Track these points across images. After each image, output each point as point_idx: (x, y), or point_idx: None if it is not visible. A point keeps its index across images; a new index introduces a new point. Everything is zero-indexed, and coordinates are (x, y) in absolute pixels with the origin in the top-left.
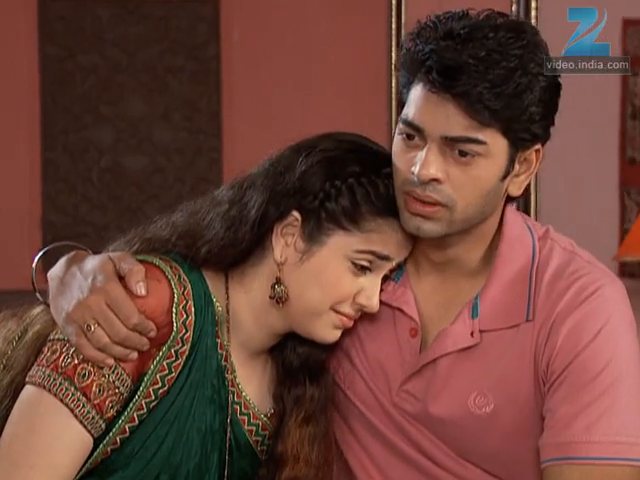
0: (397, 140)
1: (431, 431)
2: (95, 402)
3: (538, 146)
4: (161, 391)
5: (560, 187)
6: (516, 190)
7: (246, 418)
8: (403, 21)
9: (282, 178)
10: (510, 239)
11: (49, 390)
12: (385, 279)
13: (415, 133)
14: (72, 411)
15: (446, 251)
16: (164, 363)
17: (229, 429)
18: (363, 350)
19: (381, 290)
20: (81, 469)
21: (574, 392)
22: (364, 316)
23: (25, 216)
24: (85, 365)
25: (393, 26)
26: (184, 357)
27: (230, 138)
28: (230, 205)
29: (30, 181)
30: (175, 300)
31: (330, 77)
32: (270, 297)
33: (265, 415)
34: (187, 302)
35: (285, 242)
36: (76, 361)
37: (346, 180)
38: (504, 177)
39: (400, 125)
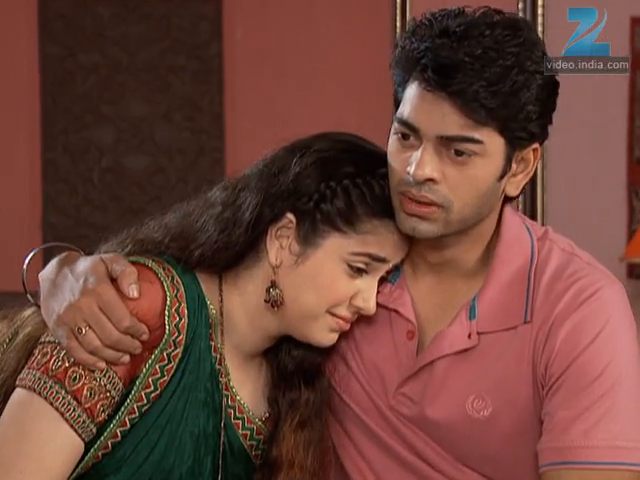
0: (392, 140)
1: (428, 434)
2: (86, 406)
3: (536, 145)
4: (153, 395)
5: (567, 188)
6: (513, 190)
7: (240, 422)
8: (408, 20)
9: (276, 179)
10: (508, 240)
11: (39, 393)
12: (382, 281)
13: (410, 132)
14: (62, 415)
15: (443, 252)
16: (156, 366)
17: (223, 433)
18: (359, 353)
19: (378, 292)
20: (72, 474)
21: (573, 396)
22: (360, 318)
23: (25, 217)
24: (76, 368)
25: (397, 25)
26: (177, 360)
27: (233, 138)
28: (224, 207)
29: (30, 182)
30: (168, 302)
31: (334, 76)
32: (265, 301)
33: (260, 419)
34: (180, 304)
35: (280, 245)
36: (67, 364)
37: (341, 181)
38: (501, 177)
39: (395, 124)
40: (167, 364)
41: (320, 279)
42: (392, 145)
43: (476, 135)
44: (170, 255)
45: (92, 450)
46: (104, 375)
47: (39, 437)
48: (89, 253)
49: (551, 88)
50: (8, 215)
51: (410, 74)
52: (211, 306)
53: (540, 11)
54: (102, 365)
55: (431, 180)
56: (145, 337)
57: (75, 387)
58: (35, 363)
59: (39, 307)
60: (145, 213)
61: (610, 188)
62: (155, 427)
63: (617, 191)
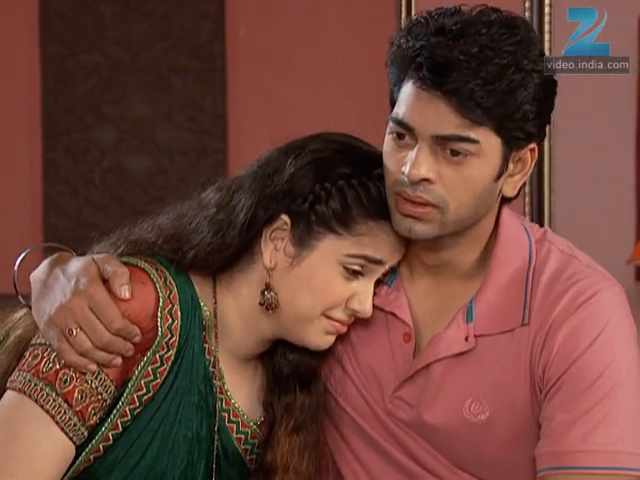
0: (387, 140)
1: (425, 439)
2: (77, 409)
3: (533, 145)
4: (146, 397)
5: (574, 189)
6: (511, 191)
7: (235, 426)
8: None
9: (271, 180)
10: (506, 241)
11: (29, 396)
12: (378, 283)
13: (405, 132)
14: (53, 417)
15: (440, 253)
16: (149, 369)
17: (216, 437)
18: (355, 356)
19: (374, 294)
20: (63, 477)
21: (571, 399)
22: (356, 321)
23: (26, 219)
24: (67, 370)
25: (403, 25)
26: (169, 362)
27: (236, 139)
28: (217, 209)
29: (31, 183)
30: (160, 304)
31: (338, 76)
32: (260, 303)
33: (255, 423)
34: (173, 306)
35: (274, 247)
36: (57, 366)
37: (336, 182)
38: (498, 177)
39: (390, 124)
40: (160, 366)
41: (315, 281)
42: (387, 145)
43: (472, 135)
44: (163, 256)
45: (84, 454)
46: (95, 377)
47: (30, 440)
48: (81, 254)
49: (549, 87)
50: (8, 216)
51: (405, 73)
52: (205, 308)
53: (547, 10)
54: (93, 367)
55: (426, 180)
56: (137, 339)
57: (66, 389)
58: (26, 365)
59: (31, 308)
60: (146, 214)
61: (618, 189)
62: (147, 430)
63: (625, 192)
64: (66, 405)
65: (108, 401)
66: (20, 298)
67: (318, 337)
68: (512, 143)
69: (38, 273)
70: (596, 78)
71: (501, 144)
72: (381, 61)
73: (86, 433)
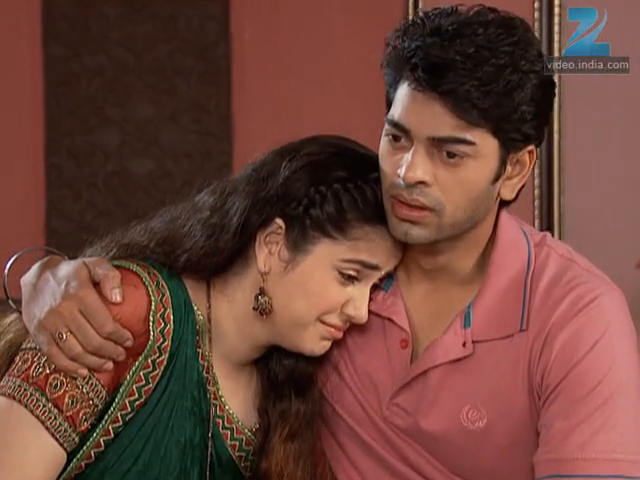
0: (383, 142)
1: (422, 446)
2: (67, 414)
3: (531, 147)
4: (138, 403)
5: (584, 190)
6: (509, 193)
7: (229, 432)
8: None
9: (265, 184)
10: (504, 245)
11: (19, 401)
12: (374, 288)
13: (401, 134)
14: (43, 423)
15: (437, 258)
16: (141, 374)
17: (210, 443)
18: (352, 362)
19: (370, 299)
20: None
21: (570, 406)
22: (353, 327)
23: (28, 223)
24: (57, 375)
25: None
26: (162, 367)
27: (241, 141)
28: (211, 212)
29: (33, 187)
30: (152, 307)
31: (344, 78)
32: (254, 308)
33: (250, 430)
34: (165, 310)
35: (269, 251)
36: (47, 371)
37: (331, 186)
38: (495, 180)
39: (386, 126)
40: (152, 371)
41: (310, 286)
42: (383, 147)
43: (468, 136)
44: (155, 260)
45: (75, 460)
46: (86, 382)
47: (20, 446)
48: (73, 257)
49: (547, 88)
50: (10, 220)
51: (401, 74)
52: (198, 312)
53: (557, 10)
54: (84, 372)
55: (422, 183)
56: (129, 343)
57: (56, 395)
58: (16, 370)
59: (21, 313)
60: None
61: (629, 192)
62: (139, 436)
63: (636, 195)
64: (56, 410)
65: (99, 406)
66: (11, 303)
67: (313, 343)
68: (509, 145)
69: (28, 277)
70: (597, 77)
71: (498, 146)
72: None
73: (77, 439)
